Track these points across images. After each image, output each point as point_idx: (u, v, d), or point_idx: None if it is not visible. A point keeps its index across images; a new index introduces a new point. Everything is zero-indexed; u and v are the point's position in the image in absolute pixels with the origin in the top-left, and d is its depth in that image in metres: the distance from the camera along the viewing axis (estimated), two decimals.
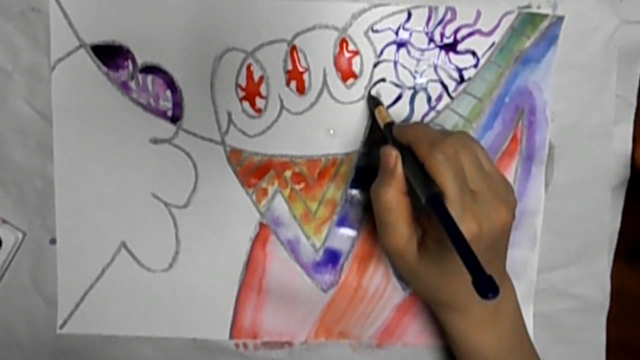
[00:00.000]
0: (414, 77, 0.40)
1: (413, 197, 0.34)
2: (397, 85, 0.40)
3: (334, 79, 0.39)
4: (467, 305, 0.36)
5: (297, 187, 0.41)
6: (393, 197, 0.34)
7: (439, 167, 0.31)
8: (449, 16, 0.39)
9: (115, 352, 0.43)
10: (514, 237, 0.42)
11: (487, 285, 0.26)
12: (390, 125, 0.37)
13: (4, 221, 0.41)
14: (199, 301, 0.42)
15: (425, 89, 0.40)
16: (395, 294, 0.42)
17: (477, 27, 0.39)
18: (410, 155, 0.33)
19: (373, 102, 0.39)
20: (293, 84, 0.39)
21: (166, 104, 0.39)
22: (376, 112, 0.38)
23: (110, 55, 0.39)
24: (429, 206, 0.31)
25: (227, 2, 0.38)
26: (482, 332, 0.37)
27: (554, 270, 0.43)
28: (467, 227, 0.31)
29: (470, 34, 0.39)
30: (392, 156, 0.34)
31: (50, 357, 0.43)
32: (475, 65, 0.40)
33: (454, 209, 0.31)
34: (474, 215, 0.31)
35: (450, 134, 0.34)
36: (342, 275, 0.42)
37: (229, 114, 0.40)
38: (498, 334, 0.37)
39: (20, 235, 0.41)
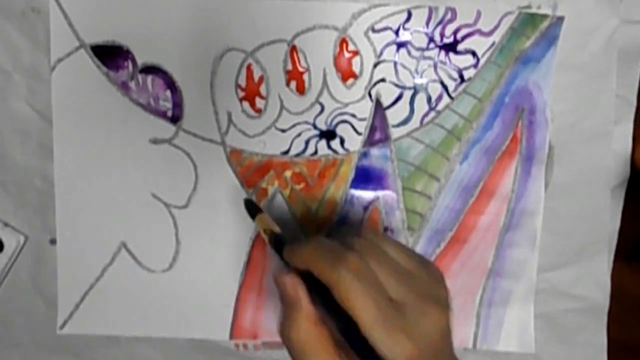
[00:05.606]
0: (414, 77, 0.40)
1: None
2: (397, 86, 0.40)
3: (334, 79, 0.39)
4: None
5: (297, 187, 0.41)
6: (305, 333, 0.28)
7: (347, 290, 0.27)
8: (449, 16, 0.39)
9: (115, 352, 0.43)
10: (514, 237, 0.42)
11: None
12: (276, 239, 0.33)
13: (6, 224, 0.41)
14: (199, 301, 0.42)
15: (425, 89, 0.40)
16: None
17: (477, 27, 0.39)
18: (311, 279, 0.28)
19: (252, 209, 0.35)
20: (293, 84, 0.39)
21: (166, 104, 0.39)
22: (256, 221, 0.35)
23: (110, 55, 0.39)
24: (346, 341, 0.27)
25: (227, 2, 0.38)
26: None
27: (554, 270, 0.43)
28: (402, 350, 0.26)
29: (470, 34, 0.39)
30: (292, 286, 0.29)
31: (50, 357, 0.43)
32: (475, 65, 0.40)
33: (377, 335, 0.26)
34: (405, 333, 0.27)
35: (351, 241, 0.30)
36: None
37: (229, 114, 0.40)
38: None
39: (22, 239, 0.41)
